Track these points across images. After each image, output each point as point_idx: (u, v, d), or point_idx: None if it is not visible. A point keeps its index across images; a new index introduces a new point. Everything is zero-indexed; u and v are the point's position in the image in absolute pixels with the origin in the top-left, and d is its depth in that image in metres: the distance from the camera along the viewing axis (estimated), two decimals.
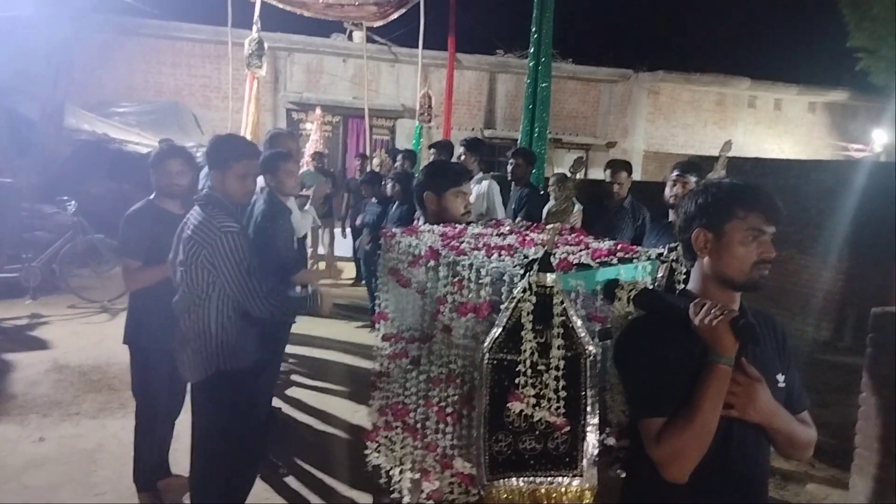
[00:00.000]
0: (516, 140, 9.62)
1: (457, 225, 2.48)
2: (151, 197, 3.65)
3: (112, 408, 5.06)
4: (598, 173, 6.12)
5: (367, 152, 12.48)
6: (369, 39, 14.19)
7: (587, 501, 1.78)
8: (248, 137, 8.08)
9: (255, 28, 10.40)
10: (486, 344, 1.71)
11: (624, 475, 1.93)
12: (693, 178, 3.92)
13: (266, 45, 10.56)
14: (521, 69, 14.21)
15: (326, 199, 10.07)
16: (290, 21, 12.74)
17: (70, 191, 9.05)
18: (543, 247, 1.80)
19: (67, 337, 6.63)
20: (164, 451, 3.80)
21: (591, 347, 1.74)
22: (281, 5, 11.30)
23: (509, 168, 5.88)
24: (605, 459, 1.90)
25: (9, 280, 7.72)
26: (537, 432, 1.72)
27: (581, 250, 2.05)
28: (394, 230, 2.39)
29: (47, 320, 7.29)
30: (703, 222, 1.72)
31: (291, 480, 4.15)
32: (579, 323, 1.73)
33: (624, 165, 5.34)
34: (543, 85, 7.70)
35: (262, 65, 10.53)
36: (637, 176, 15.79)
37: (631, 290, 1.79)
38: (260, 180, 4.35)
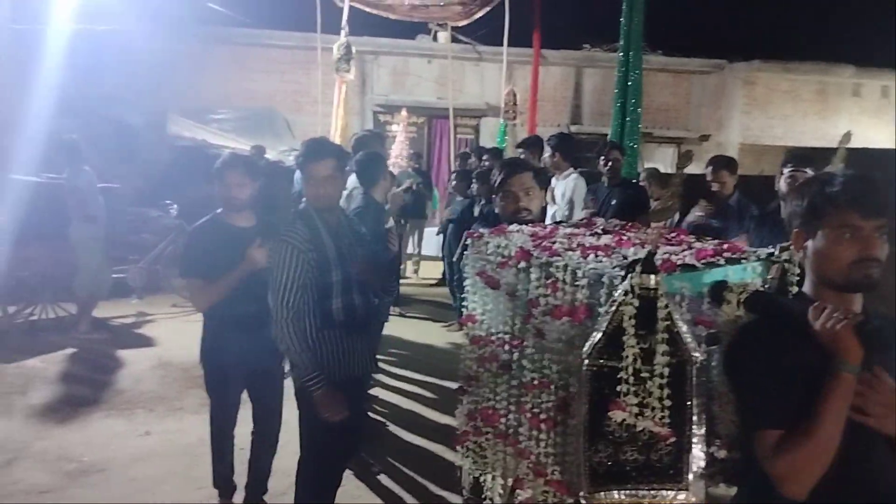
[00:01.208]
0: (604, 135, 9.40)
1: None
2: (219, 210, 3.51)
3: None
4: (692, 168, 5.87)
5: (451, 152, 12.50)
6: (454, 39, 14.21)
7: None
8: (337, 141, 8.22)
9: (342, 33, 10.60)
10: (584, 350, 1.63)
11: (733, 490, 1.82)
12: (810, 171, 3.69)
13: (353, 50, 10.75)
14: (608, 63, 13.90)
15: (419, 199, 10.13)
16: (376, 24, 12.91)
17: (172, 195, 9.45)
18: (645, 247, 1.71)
19: (171, 335, 6.92)
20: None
21: (697, 354, 1.63)
22: (368, 9, 11.47)
23: (608, 163, 5.69)
24: (711, 473, 1.80)
25: (116, 280, 8.12)
26: (640, 443, 1.63)
27: (684, 250, 1.94)
28: (481, 230, 2.34)
29: (152, 318, 7.64)
30: (798, 222, 1.64)
31: (384, 479, 4.18)
32: (685, 328, 1.63)
33: (726, 163, 5.08)
34: (634, 77, 7.49)
35: (350, 69, 10.72)
36: None
37: (741, 293, 1.68)
38: (352, 180, 4.40)
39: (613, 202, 5.61)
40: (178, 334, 6.89)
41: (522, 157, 5.79)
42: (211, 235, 3.40)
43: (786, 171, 3.88)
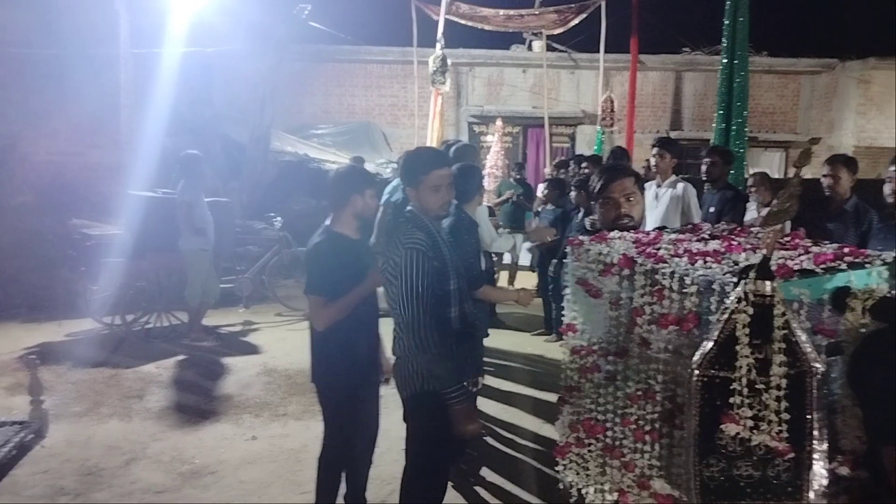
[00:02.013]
0: (706, 140, 9.10)
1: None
2: (329, 224, 3.42)
3: (315, 410, 5.32)
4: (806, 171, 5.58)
5: (547, 161, 12.39)
6: (549, 48, 14.16)
7: None
8: None
9: (438, 46, 10.73)
10: (694, 359, 1.55)
11: None
12: None
13: (449, 62, 10.87)
14: (709, 66, 13.51)
15: (519, 210, 10.08)
16: (471, 36, 13.04)
17: (276, 208, 9.83)
18: (758, 251, 1.62)
19: (275, 342, 7.15)
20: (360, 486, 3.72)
21: (817, 364, 1.54)
22: (463, 21, 11.59)
23: (704, 168, 5.51)
24: (835, 491, 1.68)
25: (225, 290, 8.47)
26: (755, 458, 1.55)
27: (801, 255, 1.83)
28: (580, 238, 2.28)
29: (258, 327, 7.92)
30: None
31: (481, 491, 4.16)
32: (804, 337, 1.53)
33: (845, 160, 4.79)
34: (740, 80, 7.22)
35: (446, 81, 10.84)
36: None
37: (866, 300, 1.56)
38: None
39: (711, 209, 5.42)
40: (281, 342, 7.11)
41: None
42: (333, 251, 3.33)
43: (891, 170, 3.61)
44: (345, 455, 3.57)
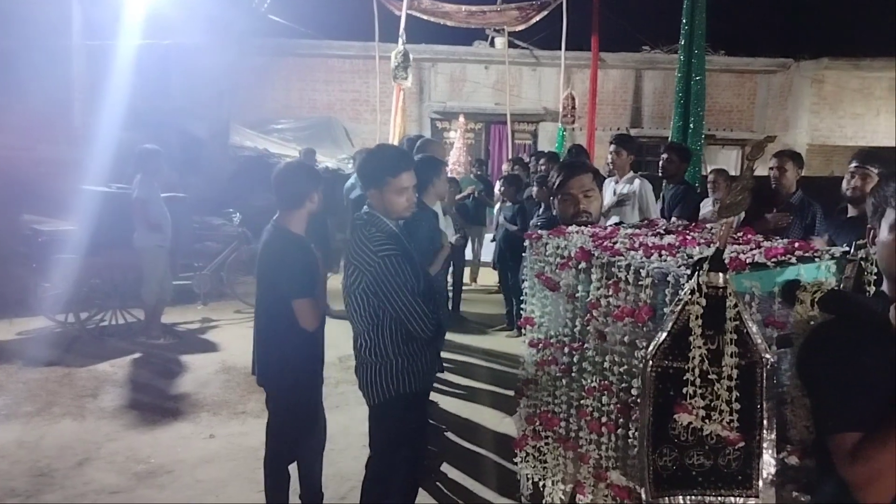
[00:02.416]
0: (666, 138, 9.22)
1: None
2: (283, 225, 3.34)
3: None
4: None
5: (509, 156, 12.43)
6: (511, 45, 14.20)
7: None
8: None
9: (400, 41, 10.68)
10: (648, 350, 1.57)
11: (804, 497, 1.73)
12: (875, 169, 3.52)
13: (411, 57, 10.83)
14: (669, 65, 13.67)
15: (480, 206, 10.10)
16: (433, 32, 13.02)
17: (235, 203, 9.68)
18: (711, 245, 1.65)
19: (234, 340, 7.05)
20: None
21: (768, 355, 1.57)
22: (425, 17, 11.57)
23: (661, 164, 5.59)
24: (783, 480, 1.72)
25: (182, 287, 8.34)
26: (707, 447, 1.57)
27: (752, 249, 1.86)
28: (539, 231, 2.30)
29: (216, 324, 7.81)
30: (870, 218, 1.61)
31: (441, 486, 4.16)
32: (755, 328, 1.56)
33: (791, 155, 4.95)
34: (697, 78, 7.33)
35: (408, 76, 10.80)
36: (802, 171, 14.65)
37: (815, 292, 1.59)
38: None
39: (666, 204, 5.51)
40: (240, 339, 7.01)
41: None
42: (303, 250, 3.31)
43: (850, 168, 3.71)
44: (291, 453, 3.52)
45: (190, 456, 4.51)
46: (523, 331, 2.32)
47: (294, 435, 3.46)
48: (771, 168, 4.93)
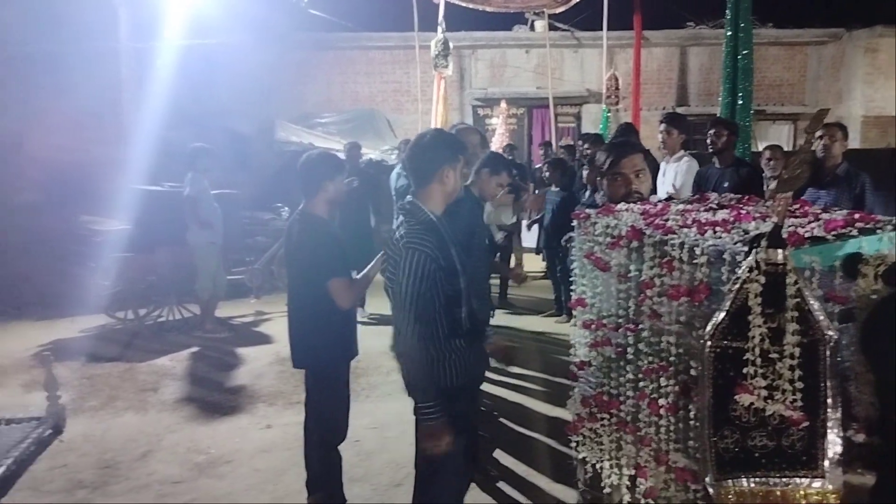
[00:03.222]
0: (713, 115, 9.02)
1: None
2: (311, 210, 3.47)
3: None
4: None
5: (553, 141, 12.29)
6: (551, 27, 14.03)
7: None
8: None
9: (439, 29, 10.64)
10: (707, 330, 1.54)
11: (870, 476, 1.68)
12: None
13: (451, 45, 10.78)
14: (714, 40, 13.33)
15: (515, 192, 10.01)
16: (473, 18, 12.93)
17: (283, 198, 9.81)
18: (766, 219, 1.60)
19: (286, 331, 7.14)
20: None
21: (830, 332, 1.52)
22: (464, 3, 11.47)
23: (709, 140, 5.40)
24: (849, 459, 1.67)
25: (235, 282, 8.50)
26: (769, 428, 1.53)
27: (811, 222, 1.81)
28: (587, 211, 2.26)
29: (269, 317, 7.94)
30: None
31: (494, 472, 4.15)
32: (816, 304, 1.51)
33: (839, 126, 4.82)
34: (745, 52, 7.13)
35: (448, 64, 10.77)
36: (857, 143, 14.20)
37: (878, 266, 1.54)
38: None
39: (726, 184, 5.32)
40: None
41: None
42: (331, 232, 3.47)
43: None
44: (336, 433, 3.59)
45: (248, 446, 4.60)
46: (574, 313, 2.30)
47: (334, 414, 3.55)
48: (819, 137, 4.76)
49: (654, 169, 5.36)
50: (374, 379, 5.69)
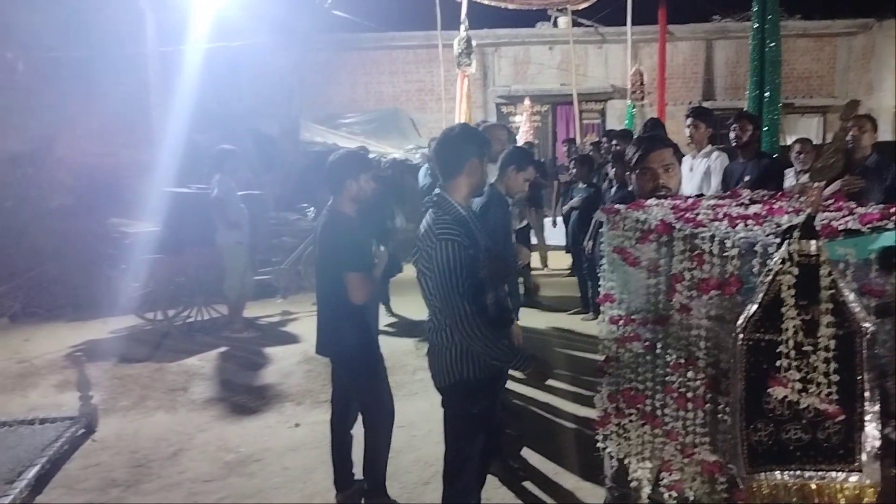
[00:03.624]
0: (741, 109, 8.91)
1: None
2: (335, 206, 3.60)
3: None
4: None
5: (577, 138, 12.22)
6: (575, 23, 13.96)
7: (868, 500, 1.53)
8: None
9: (462, 27, 10.65)
10: (739, 323, 1.51)
11: None
12: None
13: (474, 43, 10.79)
14: (741, 33, 13.20)
15: (537, 189, 9.98)
16: (495, 16, 12.91)
17: (308, 198, 9.87)
18: (799, 214, 1.57)
19: (314, 331, 7.10)
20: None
21: (867, 324, 1.48)
22: (486, 1, 11.46)
23: (732, 134, 5.32)
24: (887, 453, 1.63)
25: (262, 282, 8.57)
26: (804, 421, 1.50)
27: (845, 216, 1.77)
28: (616, 206, 2.24)
29: (296, 316, 7.99)
30: None
31: (521, 470, 4.14)
32: (852, 296, 1.48)
33: (869, 118, 4.76)
34: (772, 45, 7.02)
35: (472, 62, 10.77)
36: (888, 135, 13.94)
37: None
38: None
39: (748, 177, 5.25)
40: None
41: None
42: (353, 229, 3.58)
43: None
44: (348, 415, 3.83)
45: (277, 444, 4.64)
46: (602, 309, 2.28)
47: (378, 396, 3.67)
48: (849, 127, 4.71)
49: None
50: (400, 378, 5.69)
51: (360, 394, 3.74)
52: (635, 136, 5.69)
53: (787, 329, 1.47)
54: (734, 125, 5.34)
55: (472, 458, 2.98)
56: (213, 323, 7.56)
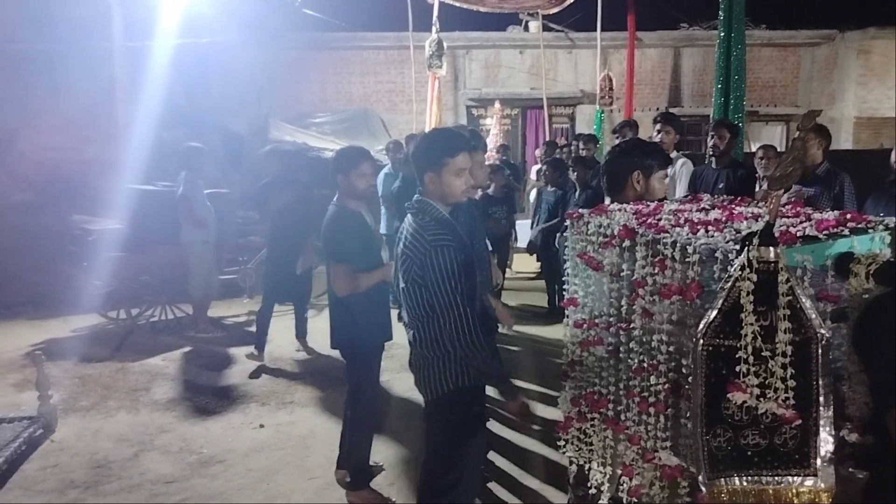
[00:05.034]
0: (706, 116, 9.04)
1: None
2: (338, 202, 3.72)
3: (321, 397, 5.38)
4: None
5: (550, 140, 12.29)
6: (545, 28, 14.04)
7: None
8: None
9: (434, 29, 10.65)
10: (699, 328, 1.54)
11: (863, 475, 1.69)
12: None
13: (445, 45, 10.80)
14: (708, 41, 13.39)
15: (509, 192, 10.02)
16: (467, 19, 12.93)
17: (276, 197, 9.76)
18: (759, 219, 1.60)
19: (280, 331, 7.13)
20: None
21: (823, 330, 1.52)
22: (458, 3, 11.48)
23: (711, 142, 5.38)
24: (842, 457, 1.67)
25: (228, 281, 8.47)
26: (762, 426, 1.54)
27: (803, 222, 1.81)
28: (580, 210, 2.26)
29: None
30: None
31: (487, 475, 4.15)
32: (808, 303, 1.52)
33: (816, 128, 4.86)
34: (737, 54, 7.15)
35: (443, 64, 10.78)
36: (849, 144, 14.27)
37: (870, 264, 1.55)
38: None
39: (721, 185, 5.33)
40: (286, 331, 7.10)
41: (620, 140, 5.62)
42: (352, 224, 3.65)
43: None
44: (373, 417, 3.89)
45: (240, 445, 4.59)
46: (566, 312, 2.30)
47: (368, 394, 3.79)
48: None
49: None
50: None
51: (348, 382, 3.85)
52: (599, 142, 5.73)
53: (745, 335, 1.50)
54: (713, 133, 5.40)
55: (468, 467, 2.90)
56: (178, 322, 7.46)
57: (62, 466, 4.30)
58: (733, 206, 2.15)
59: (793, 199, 4.25)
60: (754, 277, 1.49)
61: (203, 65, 11.69)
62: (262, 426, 4.89)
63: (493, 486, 4.01)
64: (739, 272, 1.50)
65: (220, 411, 5.17)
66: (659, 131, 5.56)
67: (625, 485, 1.96)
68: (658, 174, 2.56)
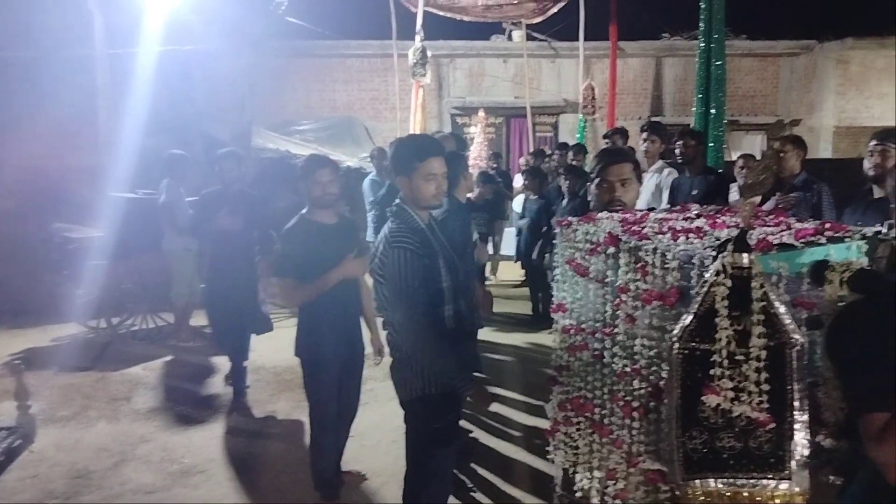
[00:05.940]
0: (688, 125, 9.14)
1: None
2: (304, 212, 3.69)
3: (304, 406, 5.34)
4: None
5: (530, 149, 12.37)
6: (529, 37, 14.14)
7: None
8: None
9: (417, 38, 10.68)
10: (675, 332, 1.57)
11: (839, 480, 1.72)
12: (894, 146, 3.48)
13: (429, 54, 10.83)
14: (689, 51, 13.52)
15: (499, 200, 10.06)
16: (450, 27, 12.99)
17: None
18: (738, 227, 1.64)
19: (262, 340, 7.03)
20: (338, 459, 3.95)
21: (797, 336, 1.55)
22: (441, 12, 11.54)
23: (678, 151, 5.49)
24: (818, 463, 1.70)
25: None
26: (737, 429, 1.56)
27: (782, 231, 1.85)
28: (569, 218, 2.30)
29: None
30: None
31: (470, 484, 4.15)
32: (783, 309, 1.54)
33: (793, 139, 5.00)
34: (718, 63, 7.23)
35: (426, 73, 10.81)
36: (828, 153, 14.45)
37: (844, 272, 1.58)
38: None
39: (695, 192, 5.40)
40: (269, 340, 7.02)
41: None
42: (302, 235, 3.59)
43: (870, 147, 3.68)
44: (331, 425, 3.78)
45: (222, 455, 4.56)
46: (554, 318, 2.33)
47: (317, 406, 3.78)
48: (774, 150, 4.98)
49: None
50: None
51: (308, 397, 3.83)
52: (601, 148, 5.79)
53: (720, 339, 1.53)
54: (679, 142, 5.50)
55: (436, 474, 2.95)
56: (159, 331, 7.41)
57: (41, 477, 4.27)
58: (718, 215, 2.18)
59: (780, 207, 4.33)
60: (728, 283, 1.52)
61: (186, 72, 11.65)
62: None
63: (476, 494, 4.02)
64: (714, 277, 1.53)
65: (201, 421, 5.14)
66: (645, 140, 5.64)
67: (610, 488, 1.98)
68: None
